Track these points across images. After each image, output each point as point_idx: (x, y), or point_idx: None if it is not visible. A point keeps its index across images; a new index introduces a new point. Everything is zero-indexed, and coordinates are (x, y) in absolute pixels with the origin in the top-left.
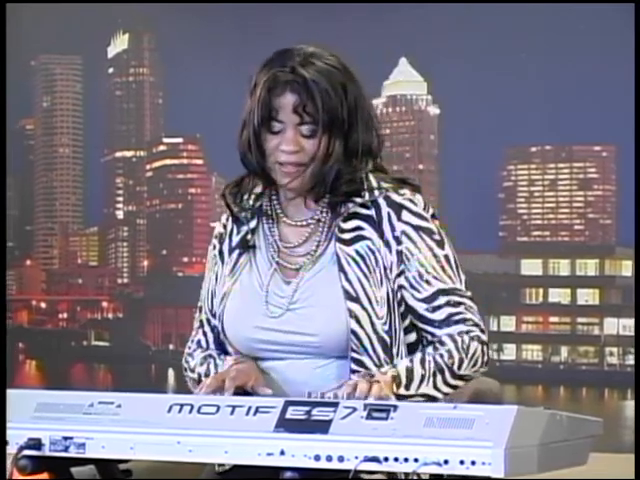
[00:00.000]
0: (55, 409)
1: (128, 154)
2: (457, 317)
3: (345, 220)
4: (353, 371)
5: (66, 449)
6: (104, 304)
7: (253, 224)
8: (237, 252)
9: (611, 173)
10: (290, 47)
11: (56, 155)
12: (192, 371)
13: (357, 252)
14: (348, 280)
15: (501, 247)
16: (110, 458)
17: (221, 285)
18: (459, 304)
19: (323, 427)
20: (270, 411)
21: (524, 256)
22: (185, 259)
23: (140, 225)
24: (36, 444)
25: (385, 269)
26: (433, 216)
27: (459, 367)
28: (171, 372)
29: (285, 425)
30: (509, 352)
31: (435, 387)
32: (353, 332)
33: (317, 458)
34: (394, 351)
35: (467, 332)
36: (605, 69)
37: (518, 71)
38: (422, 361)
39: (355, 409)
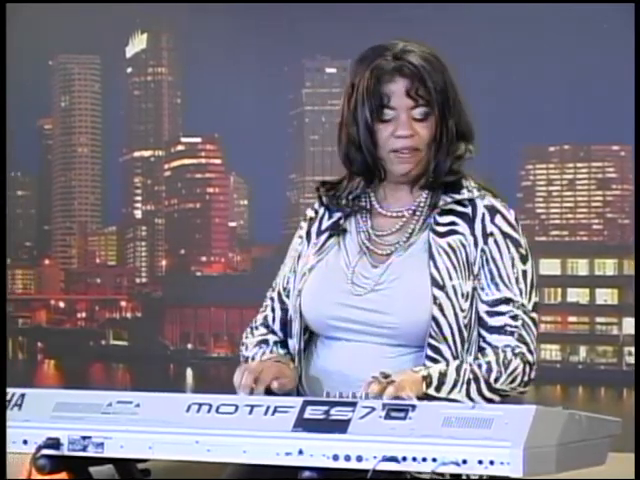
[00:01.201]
0: (74, 408)
1: (146, 154)
2: (510, 329)
3: (441, 214)
4: (429, 358)
5: (84, 449)
6: (122, 303)
7: (347, 211)
8: (327, 234)
9: (629, 173)
10: (382, 43)
11: (74, 155)
12: (247, 349)
13: (449, 244)
14: (437, 268)
15: None
16: (129, 458)
17: (304, 263)
18: (518, 318)
19: (341, 427)
20: (288, 411)
21: (542, 256)
22: (203, 258)
23: (158, 224)
24: (55, 443)
25: (472, 265)
26: (522, 234)
27: (496, 380)
28: (189, 371)
29: (303, 425)
30: None
31: (468, 396)
32: (434, 319)
33: (335, 458)
34: (465, 347)
35: (513, 348)
36: (625, 69)
37: (537, 71)
38: (458, 367)
39: (373, 409)
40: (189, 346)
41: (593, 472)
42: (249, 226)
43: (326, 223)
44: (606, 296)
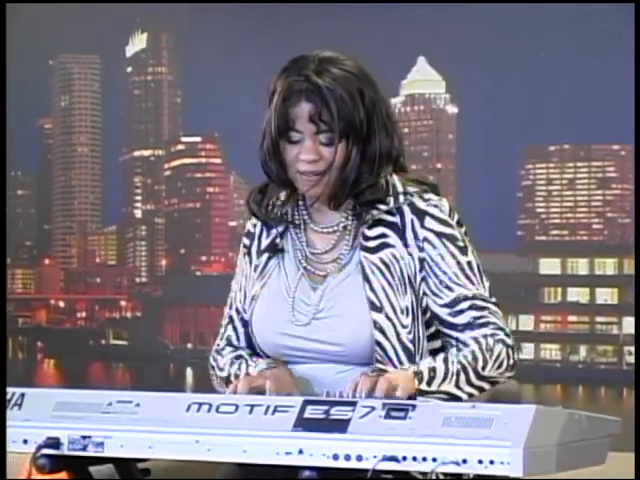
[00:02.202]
0: (74, 408)
1: (146, 153)
2: (481, 321)
3: (370, 227)
4: None
5: (85, 448)
6: (122, 303)
7: (281, 228)
8: (266, 256)
9: (630, 172)
10: (306, 54)
11: (74, 154)
12: (221, 370)
13: (381, 260)
14: (372, 290)
15: (519, 246)
16: (129, 457)
17: (250, 287)
18: (483, 308)
19: (341, 426)
20: (288, 410)
21: (542, 255)
22: (203, 258)
23: (158, 224)
24: (55, 443)
25: (409, 277)
26: (458, 223)
27: (483, 368)
28: (189, 371)
29: (303, 424)
30: (527, 351)
31: (457, 386)
32: (378, 343)
33: (335, 457)
34: (417, 359)
35: (492, 335)
36: (625, 69)
37: (537, 70)
38: (445, 360)
39: (374, 408)
40: (189, 345)
41: (593, 472)
42: None
43: (265, 242)
44: (606, 295)
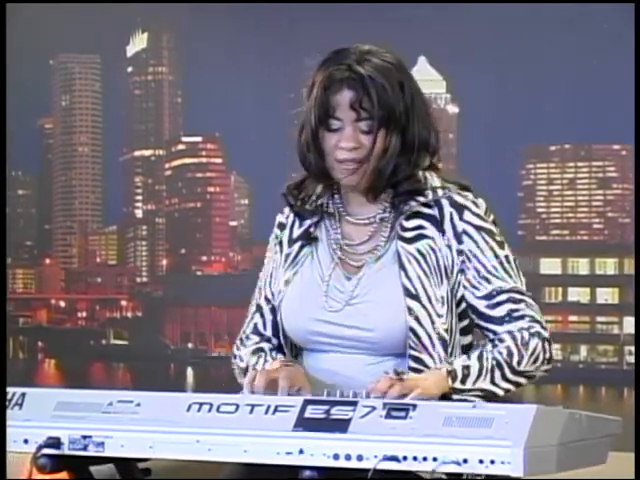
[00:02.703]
0: (74, 408)
1: (147, 153)
2: (517, 313)
3: (407, 218)
4: (412, 369)
5: (85, 448)
6: (123, 303)
7: (316, 218)
8: (299, 244)
9: (630, 172)
10: (346, 46)
11: (75, 154)
12: (241, 360)
13: (418, 250)
14: (408, 277)
15: (520, 246)
16: (129, 457)
17: (281, 275)
18: (520, 301)
19: (342, 426)
20: (289, 410)
21: (543, 255)
22: (204, 258)
23: (159, 224)
24: (55, 443)
25: (445, 268)
26: (493, 222)
27: (518, 363)
28: (190, 371)
29: (304, 424)
30: None
31: (493, 382)
32: (412, 330)
33: (336, 457)
34: (448, 351)
35: (527, 328)
36: (625, 69)
37: (537, 70)
38: (480, 357)
39: (374, 408)
40: (189, 345)
41: (593, 472)
42: (250, 225)
43: (297, 231)
44: (607, 295)
